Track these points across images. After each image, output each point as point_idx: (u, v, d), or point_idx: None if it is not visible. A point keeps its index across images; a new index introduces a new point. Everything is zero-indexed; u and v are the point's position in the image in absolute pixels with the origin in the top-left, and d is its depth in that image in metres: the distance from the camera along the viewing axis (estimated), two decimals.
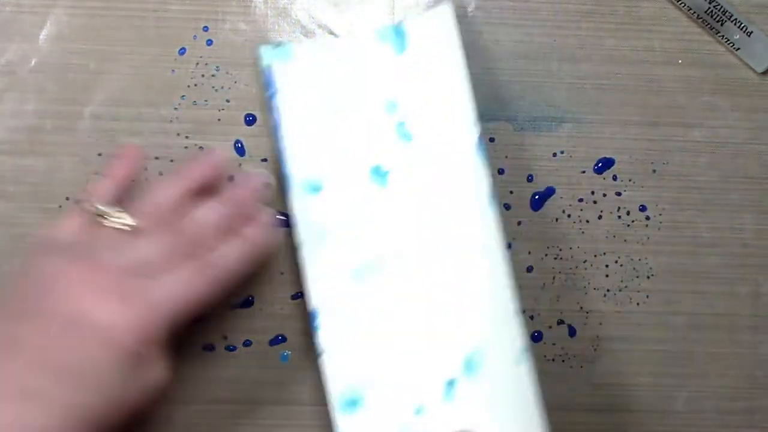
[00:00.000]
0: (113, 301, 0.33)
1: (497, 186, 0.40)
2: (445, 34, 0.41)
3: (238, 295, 0.42)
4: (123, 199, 0.38)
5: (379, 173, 0.41)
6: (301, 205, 0.41)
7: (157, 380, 0.35)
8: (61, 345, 0.32)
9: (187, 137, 0.43)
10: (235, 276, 0.37)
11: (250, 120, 0.43)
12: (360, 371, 0.39)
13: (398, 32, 0.42)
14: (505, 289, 0.39)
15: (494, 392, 0.39)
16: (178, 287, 0.35)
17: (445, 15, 0.42)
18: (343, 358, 0.39)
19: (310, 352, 0.42)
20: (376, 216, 0.41)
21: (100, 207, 0.36)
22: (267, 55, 0.42)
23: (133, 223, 0.36)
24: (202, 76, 0.43)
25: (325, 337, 0.39)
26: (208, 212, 0.37)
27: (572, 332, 0.44)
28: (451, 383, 0.39)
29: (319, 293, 0.40)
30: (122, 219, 0.36)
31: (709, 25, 0.44)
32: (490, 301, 0.40)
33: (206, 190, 0.39)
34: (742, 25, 0.44)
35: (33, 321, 0.33)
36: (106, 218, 0.36)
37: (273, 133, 0.41)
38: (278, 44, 0.42)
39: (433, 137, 0.41)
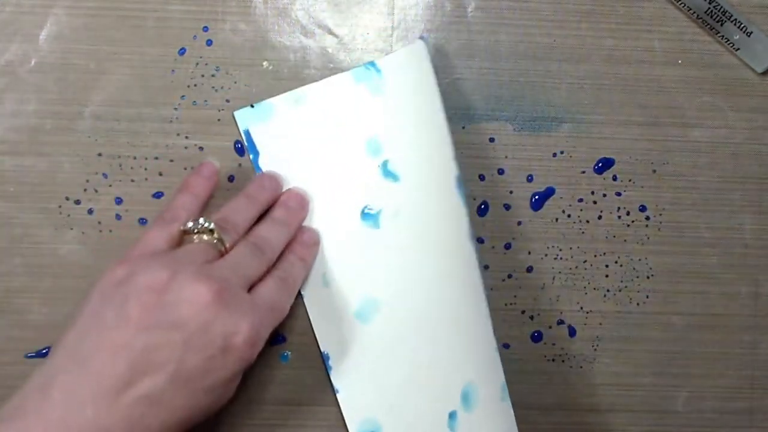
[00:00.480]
0: (236, 313, 0.34)
1: (475, 224, 0.42)
2: (420, 72, 0.42)
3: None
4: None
5: (370, 215, 0.42)
6: None
7: (231, 392, 0.36)
8: (192, 356, 0.33)
9: (186, 137, 0.43)
10: (298, 289, 0.40)
11: None
12: (374, 405, 0.41)
13: (373, 71, 0.42)
14: (484, 325, 0.41)
15: (488, 426, 0.41)
16: (273, 299, 0.37)
17: (419, 52, 0.42)
18: (357, 393, 0.41)
19: (310, 353, 0.42)
20: (371, 257, 0.42)
21: (192, 223, 0.37)
22: (243, 119, 0.42)
23: (220, 237, 0.37)
24: (202, 76, 0.43)
25: (338, 377, 0.41)
26: (279, 233, 0.40)
27: (572, 332, 0.44)
28: (452, 415, 0.41)
29: (326, 337, 0.41)
30: (215, 234, 0.37)
31: (708, 26, 0.44)
32: (476, 337, 0.41)
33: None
34: (742, 25, 0.44)
35: (161, 331, 0.33)
36: (197, 234, 0.37)
37: None
38: (253, 105, 0.43)
39: (418, 176, 0.42)
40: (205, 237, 0.37)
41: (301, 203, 0.42)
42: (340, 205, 0.42)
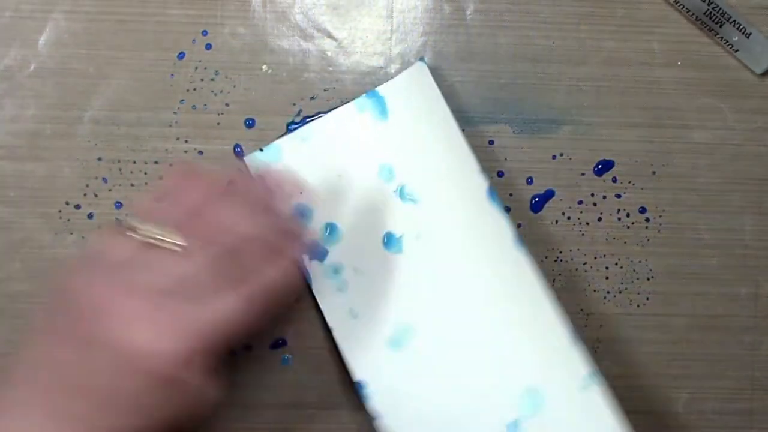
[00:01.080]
0: (148, 327, 0.32)
1: (515, 226, 0.41)
2: (426, 92, 0.42)
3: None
4: (180, 218, 0.35)
5: (392, 241, 0.41)
6: (324, 290, 0.41)
7: (205, 403, 0.34)
8: (99, 371, 0.31)
9: (186, 141, 0.43)
10: (281, 301, 0.35)
11: (249, 123, 0.43)
12: (418, 429, 0.40)
13: (375, 99, 0.42)
14: (555, 322, 0.40)
15: (565, 423, 0.39)
16: (224, 313, 0.33)
17: (420, 73, 0.42)
18: (399, 420, 0.40)
19: (311, 356, 0.42)
20: (399, 282, 0.41)
21: (143, 227, 0.33)
22: (254, 163, 0.42)
23: (183, 244, 0.33)
24: (202, 80, 0.43)
25: (376, 405, 0.40)
26: (251, 225, 0.35)
27: None
28: (514, 424, 0.40)
29: (360, 367, 0.40)
30: (170, 239, 0.33)
31: (708, 27, 0.44)
32: (540, 338, 0.40)
33: (244, 198, 0.37)
34: (741, 26, 0.44)
35: (72, 345, 0.32)
36: (154, 239, 0.33)
37: None
38: (262, 149, 0.42)
39: (438, 195, 0.41)
40: (161, 241, 0.33)
41: (287, 190, 0.39)
42: (361, 236, 0.42)
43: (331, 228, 0.42)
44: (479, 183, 0.41)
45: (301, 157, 0.42)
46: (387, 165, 0.42)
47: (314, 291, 0.41)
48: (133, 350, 0.31)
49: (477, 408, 0.40)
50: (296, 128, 0.43)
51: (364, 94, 0.42)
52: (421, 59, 0.43)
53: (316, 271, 0.41)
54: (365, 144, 0.42)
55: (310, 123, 0.43)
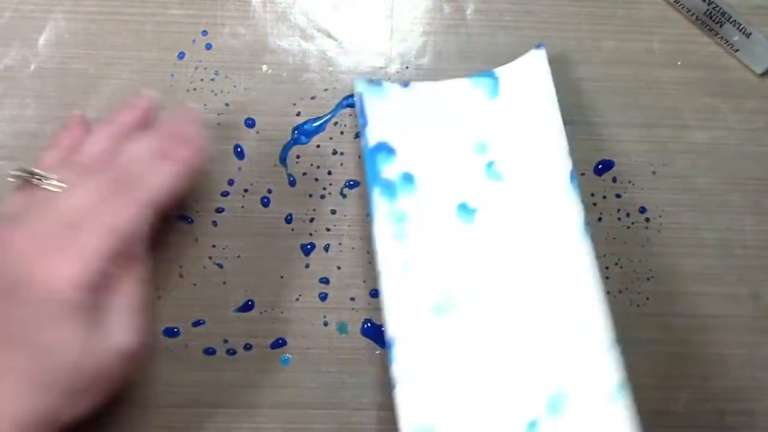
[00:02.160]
0: (44, 255, 0.33)
1: (585, 213, 0.40)
2: (539, 77, 0.42)
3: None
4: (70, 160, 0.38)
5: (466, 210, 0.41)
6: (383, 234, 0.40)
7: (122, 341, 0.34)
8: (9, 314, 0.32)
9: None
10: (167, 196, 0.36)
11: (249, 124, 0.43)
12: (435, 407, 0.38)
13: (491, 79, 0.43)
14: (599, 321, 0.38)
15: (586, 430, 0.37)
16: (107, 223, 0.34)
17: (538, 60, 0.42)
18: (418, 392, 0.38)
19: (311, 356, 0.42)
20: (460, 252, 0.41)
21: (26, 171, 0.36)
22: (360, 86, 0.42)
23: (62, 184, 0.35)
24: (202, 80, 0.43)
25: (400, 369, 0.38)
26: (139, 147, 0.37)
27: None
28: (533, 424, 0.38)
29: (397, 323, 0.39)
30: (51, 181, 0.35)
31: (708, 27, 0.44)
32: (581, 336, 0.38)
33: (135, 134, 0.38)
34: (741, 26, 0.44)
35: None
36: (36, 181, 0.35)
37: (363, 160, 0.42)
38: (372, 80, 0.43)
39: (524, 175, 0.41)
40: (44, 183, 0.35)
41: (186, 120, 0.39)
42: (437, 196, 0.41)
43: (407, 177, 0.41)
44: (564, 164, 0.40)
45: (403, 105, 0.42)
46: (482, 140, 0.42)
47: (375, 229, 0.40)
48: (35, 281, 0.32)
49: (500, 399, 0.38)
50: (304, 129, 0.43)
51: (480, 74, 0.43)
52: (539, 45, 0.43)
53: (382, 210, 0.41)
54: (467, 117, 0.42)
55: (419, 82, 0.43)
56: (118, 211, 0.34)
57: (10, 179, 0.36)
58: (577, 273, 0.39)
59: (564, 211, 0.40)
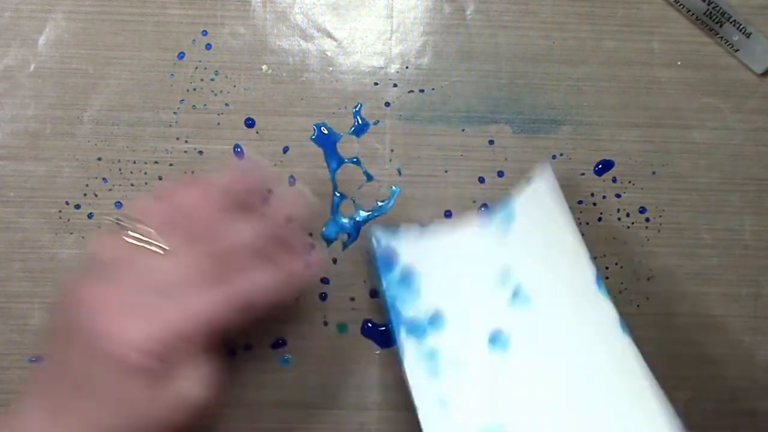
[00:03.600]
0: (124, 319, 0.33)
1: (619, 311, 0.38)
2: (550, 195, 0.41)
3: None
4: (173, 219, 0.35)
5: (499, 339, 0.40)
6: (415, 373, 0.40)
7: (189, 397, 0.34)
8: (84, 364, 0.33)
9: (186, 141, 0.43)
10: (265, 305, 0.35)
11: (249, 123, 0.43)
12: None
13: (507, 213, 0.42)
14: (657, 419, 0.36)
15: None
16: (199, 309, 0.33)
17: (547, 177, 0.41)
18: None
19: (311, 356, 0.42)
20: (500, 381, 0.40)
21: (135, 226, 0.35)
22: (378, 233, 0.42)
23: (165, 247, 0.34)
24: (201, 80, 0.43)
25: None
26: (244, 231, 0.35)
27: None
28: None
29: None
30: (154, 242, 0.34)
31: (708, 27, 0.44)
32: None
33: (243, 204, 0.37)
34: (741, 26, 0.44)
35: (63, 342, 0.33)
36: (142, 244, 0.34)
37: (384, 301, 0.41)
38: (388, 228, 0.42)
39: (552, 293, 0.40)
40: (145, 243, 0.35)
41: (291, 202, 0.38)
42: (467, 330, 0.41)
43: (435, 315, 0.41)
44: (588, 272, 0.39)
45: (421, 246, 0.42)
46: (505, 267, 0.41)
47: (406, 369, 0.40)
48: (107, 339, 0.32)
49: None
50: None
51: (497, 211, 0.42)
52: (544, 162, 0.42)
53: (411, 349, 0.40)
54: (487, 248, 0.42)
55: (439, 227, 0.43)
56: (209, 301, 0.33)
57: (109, 221, 0.35)
58: (627, 372, 0.37)
59: (598, 316, 0.39)
